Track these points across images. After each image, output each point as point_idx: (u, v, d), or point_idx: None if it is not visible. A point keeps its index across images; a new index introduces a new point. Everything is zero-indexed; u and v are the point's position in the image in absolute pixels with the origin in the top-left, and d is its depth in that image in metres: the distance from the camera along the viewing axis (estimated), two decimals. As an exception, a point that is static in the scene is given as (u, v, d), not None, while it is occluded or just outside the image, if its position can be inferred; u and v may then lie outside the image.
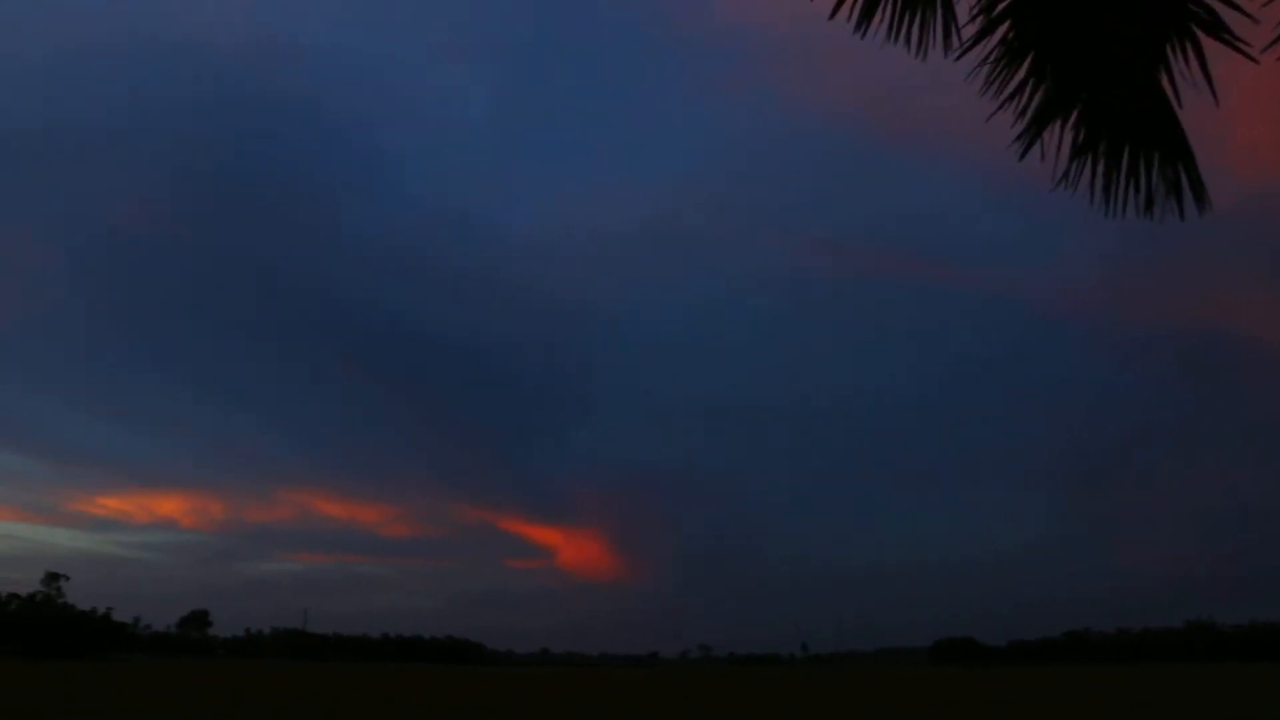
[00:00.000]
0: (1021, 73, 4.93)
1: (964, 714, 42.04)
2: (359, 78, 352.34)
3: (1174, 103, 4.66)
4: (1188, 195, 4.77)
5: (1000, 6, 4.84)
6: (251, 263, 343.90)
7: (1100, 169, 4.91)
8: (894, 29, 5.06)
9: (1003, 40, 4.91)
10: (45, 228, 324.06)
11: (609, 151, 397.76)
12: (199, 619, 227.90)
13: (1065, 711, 41.70)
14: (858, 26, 5.02)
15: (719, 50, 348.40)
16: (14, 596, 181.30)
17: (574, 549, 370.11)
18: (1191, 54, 4.52)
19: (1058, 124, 4.91)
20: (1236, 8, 4.31)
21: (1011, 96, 4.97)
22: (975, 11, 4.91)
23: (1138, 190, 4.84)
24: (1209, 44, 4.47)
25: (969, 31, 4.94)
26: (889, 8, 5.04)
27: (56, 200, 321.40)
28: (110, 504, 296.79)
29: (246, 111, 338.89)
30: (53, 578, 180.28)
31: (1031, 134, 4.97)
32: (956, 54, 4.99)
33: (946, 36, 5.04)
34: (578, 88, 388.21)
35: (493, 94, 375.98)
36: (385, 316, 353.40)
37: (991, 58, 4.93)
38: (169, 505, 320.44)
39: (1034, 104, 4.95)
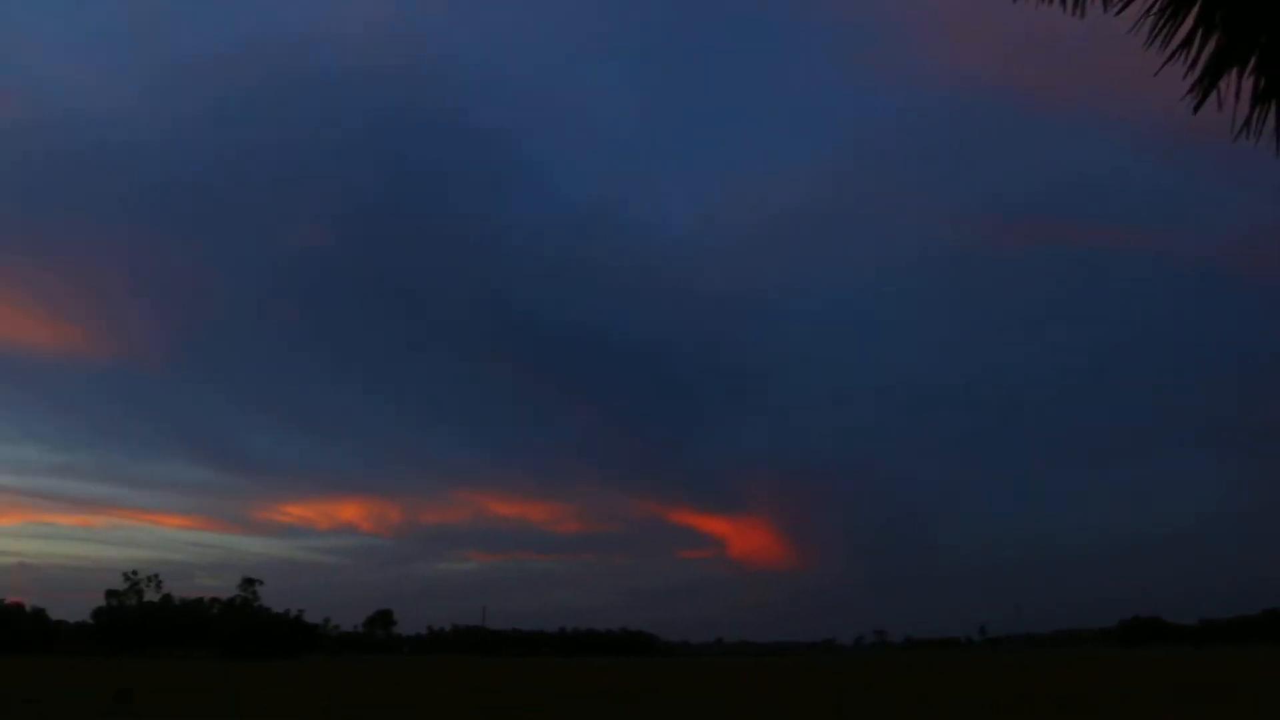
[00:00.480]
0: (1189, 22, 4.69)
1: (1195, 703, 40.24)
2: (504, 87, 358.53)
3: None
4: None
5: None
6: (417, 275, 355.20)
7: (1284, 116, 4.62)
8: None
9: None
10: (236, 256, 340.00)
11: (756, 140, 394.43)
12: (384, 618, 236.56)
13: None
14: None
15: (858, 27, 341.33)
16: (215, 601, 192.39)
17: (744, 538, 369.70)
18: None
19: (1233, 72, 4.65)
20: None
21: (1180, 48, 4.73)
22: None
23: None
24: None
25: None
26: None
27: (244, 230, 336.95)
28: (295, 512, 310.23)
29: (401, 133, 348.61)
30: (248, 583, 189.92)
31: (1205, 85, 4.71)
32: (1117, 8, 4.78)
33: (1105, -9, 4.83)
34: (720, 79, 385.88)
35: (638, 92, 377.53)
36: (549, 318, 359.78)
37: (1155, 9, 4.71)
38: (349, 511, 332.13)
39: (1205, 53, 4.70)
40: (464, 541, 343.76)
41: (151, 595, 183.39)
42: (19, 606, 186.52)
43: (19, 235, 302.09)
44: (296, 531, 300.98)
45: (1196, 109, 4.73)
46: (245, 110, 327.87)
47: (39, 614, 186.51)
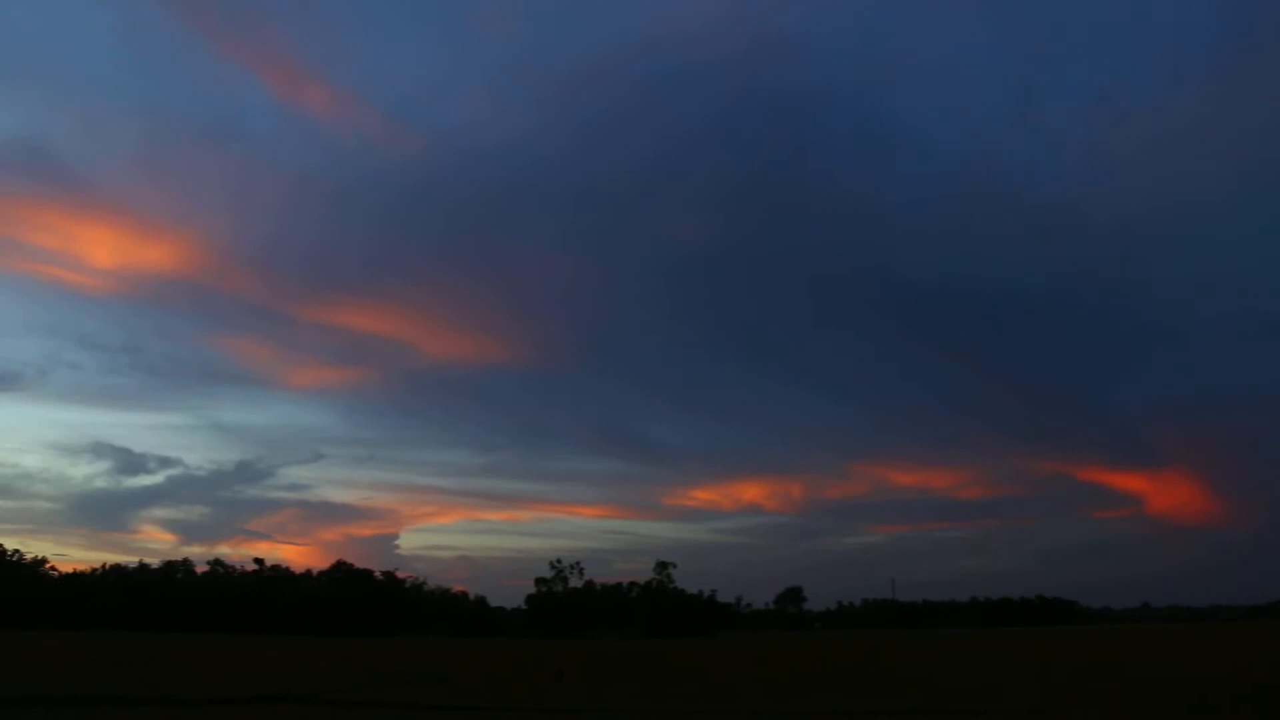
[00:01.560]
0: None
1: None
2: (855, 52, 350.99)
3: None
4: None
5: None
6: (801, 250, 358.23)
7: None
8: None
9: None
10: (630, 256, 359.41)
11: (1123, 63, 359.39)
12: (793, 595, 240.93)
13: None
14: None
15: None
16: (634, 584, 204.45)
17: (1164, 493, 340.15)
18: None
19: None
20: None
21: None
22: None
23: None
24: None
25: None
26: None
27: (634, 231, 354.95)
28: (701, 495, 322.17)
29: (761, 114, 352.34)
30: (662, 566, 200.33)
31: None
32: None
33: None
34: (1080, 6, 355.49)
35: (997, 33, 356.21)
36: (932, 279, 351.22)
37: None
38: (752, 491, 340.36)
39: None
40: (867, 514, 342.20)
41: (575, 581, 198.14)
42: (464, 595, 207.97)
43: (445, 259, 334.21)
44: (703, 514, 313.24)
45: None
46: (615, 117, 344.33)
47: (480, 601, 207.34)
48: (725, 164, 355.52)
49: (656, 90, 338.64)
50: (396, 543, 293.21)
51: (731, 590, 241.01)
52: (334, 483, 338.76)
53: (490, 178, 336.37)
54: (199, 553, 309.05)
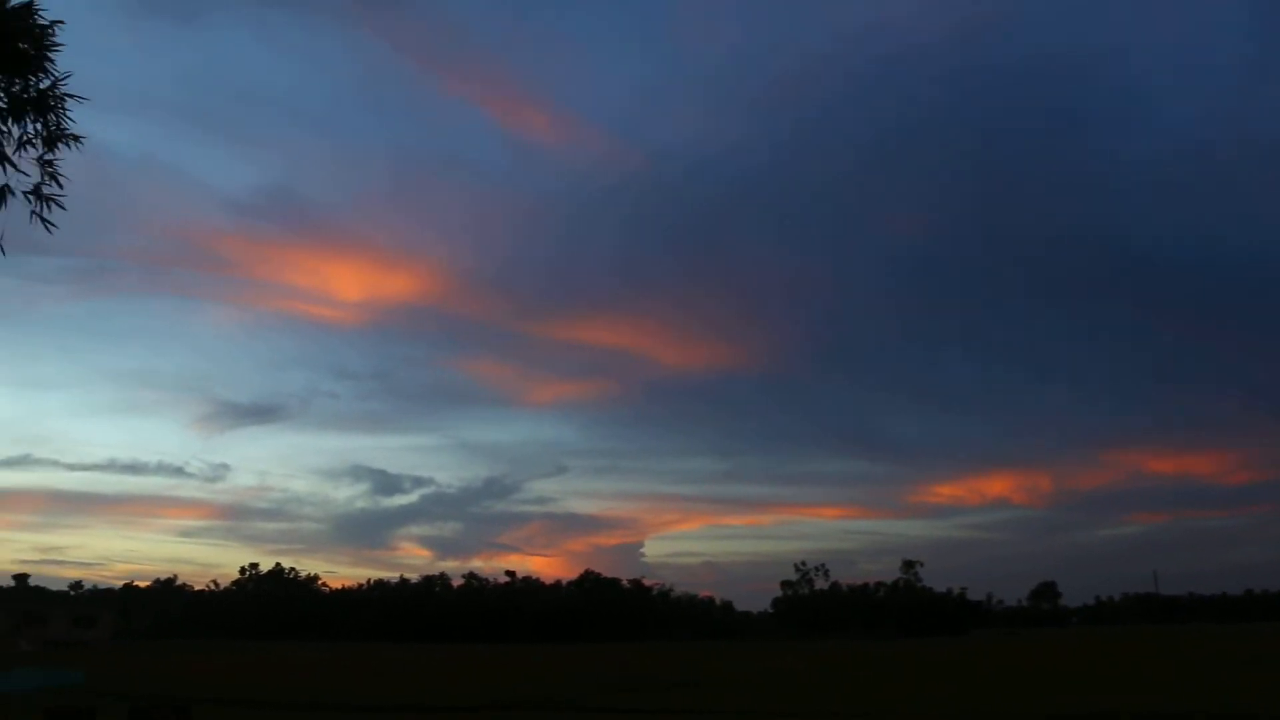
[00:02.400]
0: None
1: None
2: (1072, 24, 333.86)
3: None
4: None
5: None
6: (1028, 230, 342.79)
7: None
8: None
9: None
10: (853, 252, 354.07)
11: None
12: (1047, 591, 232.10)
13: None
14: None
15: None
16: (880, 585, 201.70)
17: None
18: None
19: None
20: None
21: None
22: None
23: None
24: None
25: None
26: None
27: (854, 227, 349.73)
28: (945, 491, 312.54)
29: (977, 94, 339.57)
30: (908, 565, 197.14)
31: None
32: None
33: None
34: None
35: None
36: (1173, 255, 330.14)
37: None
38: (998, 485, 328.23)
39: None
40: (1123, 504, 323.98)
41: (821, 583, 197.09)
42: (710, 600, 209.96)
43: (675, 269, 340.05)
44: (949, 511, 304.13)
45: None
46: (830, 113, 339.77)
47: (727, 606, 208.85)
48: (943, 148, 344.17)
49: (869, 81, 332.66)
50: (641, 550, 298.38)
51: (981, 588, 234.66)
52: (578, 494, 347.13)
53: (712, 185, 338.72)
54: (453, 567, 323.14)
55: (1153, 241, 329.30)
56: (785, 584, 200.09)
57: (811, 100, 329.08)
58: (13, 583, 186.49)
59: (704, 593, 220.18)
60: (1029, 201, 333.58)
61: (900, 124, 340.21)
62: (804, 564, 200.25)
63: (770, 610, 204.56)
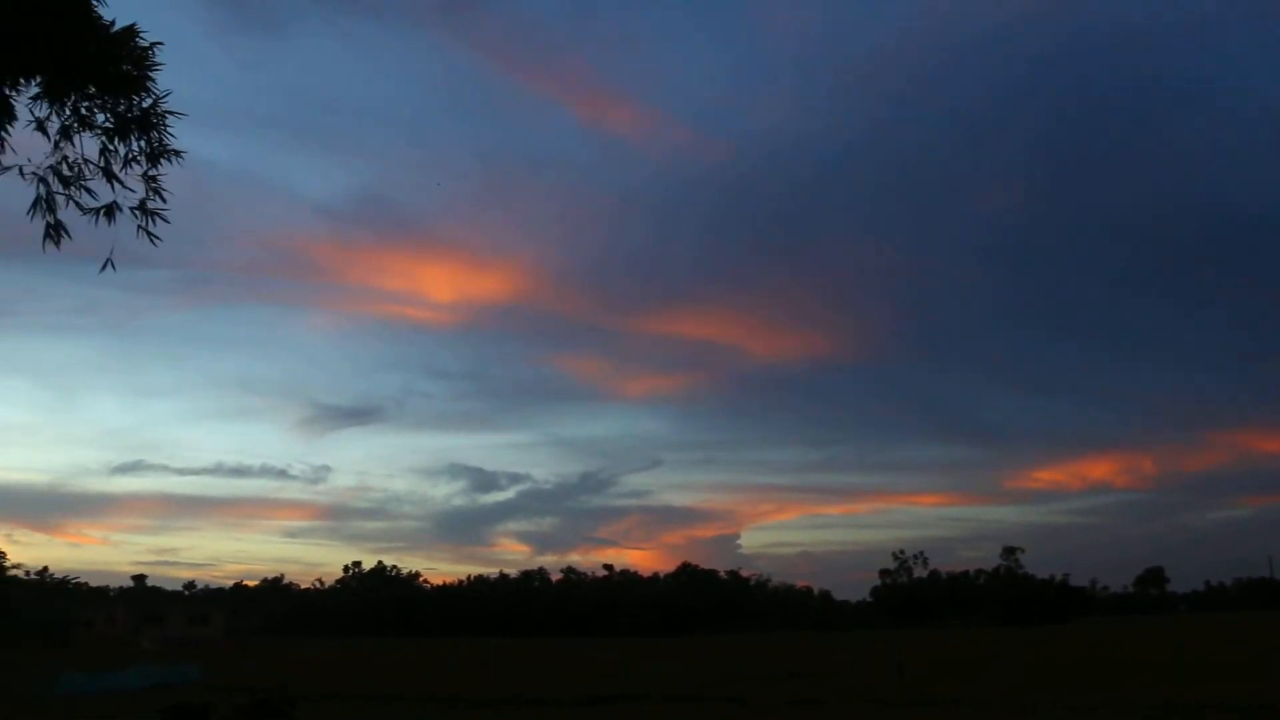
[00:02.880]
0: None
1: None
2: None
3: None
4: None
5: None
6: (1125, 204, 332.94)
7: None
8: None
9: None
10: (940, 235, 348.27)
11: None
12: (1154, 576, 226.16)
13: None
14: None
15: None
16: (980, 572, 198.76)
17: None
18: None
19: None
20: None
21: None
22: None
23: None
24: None
25: None
26: None
27: (941, 209, 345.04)
28: (1044, 476, 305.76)
29: (1064, 69, 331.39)
30: (1009, 551, 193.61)
31: None
32: None
33: None
34: None
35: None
36: (1267, 224, 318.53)
37: None
38: (1100, 469, 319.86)
39: None
40: (1233, 486, 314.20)
41: (920, 572, 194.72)
42: (808, 590, 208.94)
43: (763, 259, 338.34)
44: (1049, 496, 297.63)
45: None
46: (914, 95, 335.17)
47: (825, 595, 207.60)
48: (1033, 123, 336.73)
49: (954, 59, 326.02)
50: (738, 542, 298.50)
51: (1084, 574, 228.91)
52: (673, 487, 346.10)
53: (797, 172, 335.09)
54: (551, 561, 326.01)
55: (1260, 211, 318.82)
56: (884, 572, 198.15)
57: (895, 82, 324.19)
58: (131, 583, 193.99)
59: (801, 583, 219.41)
60: (1125, 174, 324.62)
61: (987, 100, 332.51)
62: (902, 552, 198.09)
63: (869, 599, 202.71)
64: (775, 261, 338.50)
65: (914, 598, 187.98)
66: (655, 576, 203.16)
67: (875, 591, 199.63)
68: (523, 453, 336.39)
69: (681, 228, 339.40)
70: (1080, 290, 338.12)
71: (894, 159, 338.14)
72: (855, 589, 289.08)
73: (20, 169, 8.22)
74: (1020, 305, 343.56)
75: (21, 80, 7.97)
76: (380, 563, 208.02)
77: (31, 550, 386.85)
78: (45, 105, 8.09)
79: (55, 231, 8.29)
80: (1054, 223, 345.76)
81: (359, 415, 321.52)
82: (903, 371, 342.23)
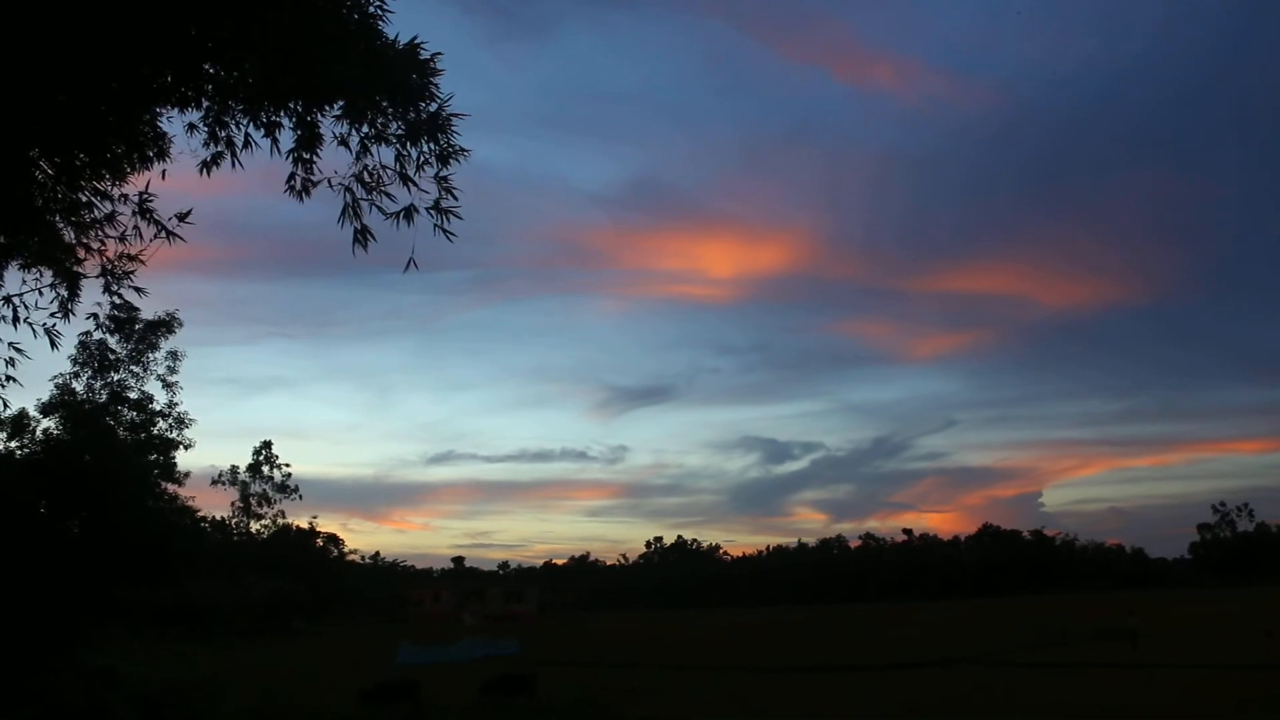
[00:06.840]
0: None
1: None
2: None
3: None
4: None
5: None
6: None
7: None
8: None
9: None
10: (1223, 158, 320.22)
11: None
12: None
13: None
14: None
15: None
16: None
17: None
18: None
19: None
20: None
21: None
22: None
23: None
24: None
25: None
26: None
27: (1225, 129, 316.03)
28: None
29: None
30: None
31: None
32: None
33: None
34: None
35: None
36: None
37: None
38: None
39: None
40: None
41: (1245, 525, 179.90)
42: (1119, 548, 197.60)
43: (1037, 205, 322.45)
44: None
45: None
46: (1175, 10, 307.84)
47: (1138, 553, 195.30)
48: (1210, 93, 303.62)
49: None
50: (1040, 500, 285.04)
51: None
52: (969, 447, 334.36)
53: (1064, 108, 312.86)
54: (849, 529, 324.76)
55: None
56: (1203, 527, 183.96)
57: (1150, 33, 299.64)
58: (451, 565, 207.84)
59: (1111, 540, 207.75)
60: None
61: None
62: (1223, 504, 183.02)
63: (1188, 556, 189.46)
64: (1050, 206, 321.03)
65: (1239, 552, 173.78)
66: (956, 539, 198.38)
67: (1194, 547, 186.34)
68: (814, 421, 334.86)
69: (950, 179, 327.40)
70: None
71: (1168, 81, 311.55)
72: (1171, 545, 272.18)
73: (329, 180, 8.96)
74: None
75: (326, 105, 8.69)
76: (680, 537, 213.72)
77: (364, 537, 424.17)
78: (345, 124, 8.78)
79: (362, 236, 8.96)
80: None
81: (651, 395, 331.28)
82: (1202, 310, 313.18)
